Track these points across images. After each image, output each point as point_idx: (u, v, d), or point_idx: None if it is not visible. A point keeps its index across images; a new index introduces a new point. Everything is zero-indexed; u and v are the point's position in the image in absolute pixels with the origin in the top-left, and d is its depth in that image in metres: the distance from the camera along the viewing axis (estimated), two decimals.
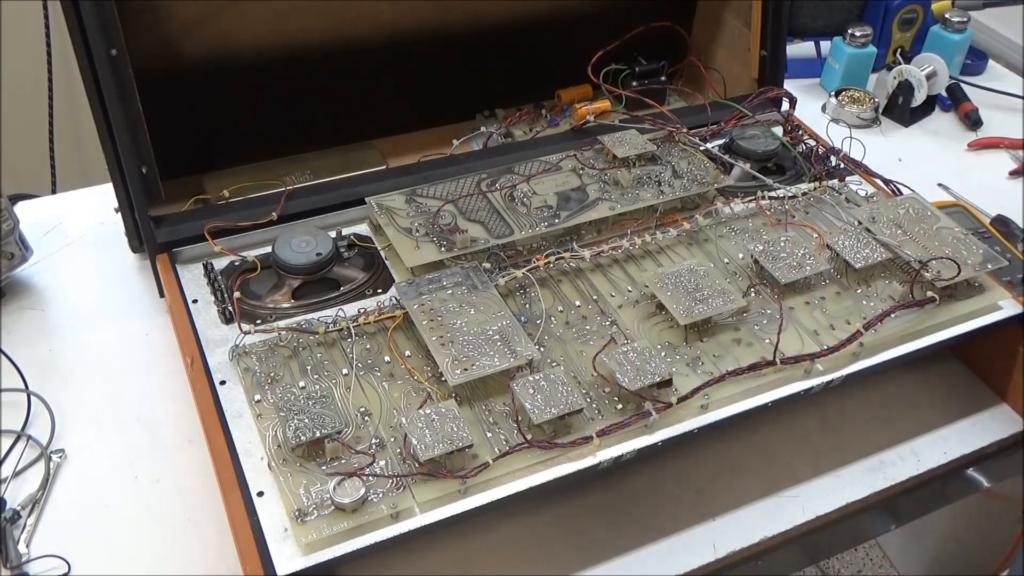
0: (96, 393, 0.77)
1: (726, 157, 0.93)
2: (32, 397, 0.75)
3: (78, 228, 0.94)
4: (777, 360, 0.70)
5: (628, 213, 0.85)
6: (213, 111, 0.92)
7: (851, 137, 0.97)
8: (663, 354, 0.71)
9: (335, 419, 0.63)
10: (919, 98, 1.18)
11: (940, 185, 1.06)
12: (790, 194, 0.89)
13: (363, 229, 0.85)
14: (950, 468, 0.76)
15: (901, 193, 0.91)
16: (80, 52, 0.73)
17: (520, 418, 0.65)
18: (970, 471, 0.78)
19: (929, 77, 1.18)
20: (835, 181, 0.91)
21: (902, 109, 1.19)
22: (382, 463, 0.62)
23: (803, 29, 1.28)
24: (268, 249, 0.79)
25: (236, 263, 0.80)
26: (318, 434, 0.62)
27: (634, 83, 1.04)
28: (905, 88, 1.18)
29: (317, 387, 0.66)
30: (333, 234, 0.81)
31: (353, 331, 0.71)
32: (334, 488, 0.59)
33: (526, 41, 1.03)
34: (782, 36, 1.03)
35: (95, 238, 0.93)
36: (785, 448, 0.77)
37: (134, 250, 0.89)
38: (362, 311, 0.73)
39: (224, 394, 0.67)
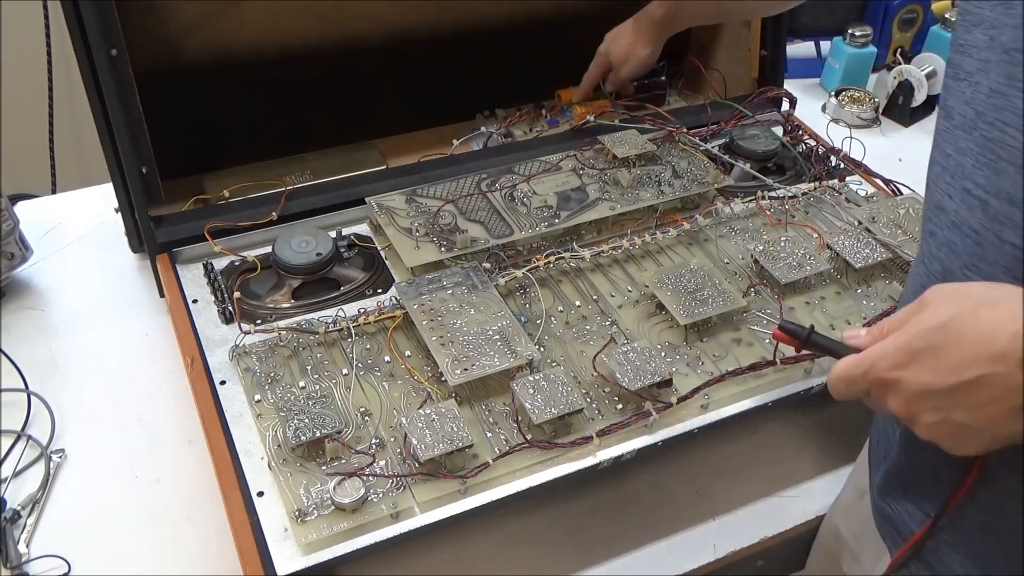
0: (96, 393, 0.77)
1: (726, 157, 0.93)
2: (32, 397, 0.75)
3: (78, 228, 0.94)
4: (777, 360, 0.70)
5: (628, 213, 0.85)
6: (213, 111, 0.92)
7: (851, 137, 0.97)
8: (663, 354, 0.71)
9: (335, 419, 0.63)
10: (919, 98, 1.18)
11: None
12: (790, 194, 0.89)
13: (363, 229, 0.85)
14: None
15: (901, 193, 0.91)
16: (80, 52, 0.73)
17: (520, 418, 0.65)
18: None
19: (929, 77, 1.18)
20: (835, 181, 0.91)
21: (902, 109, 1.19)
22: (382, 463, 0.62)
23: (803, 29, 1.28)
24: (268, 249, 0.79)
25: (236, 263, 0.80)
26: (318, 434, 0.62)
27: (634, 83, 1.04)
28: (905, 88, 1.18)
29: (317, 387, 0.66)
30: (333, 234, 0.81)
31: (353, 331, 0.71)
32: (334, 488, 0.59)
33: (526, 41, 1.03)
34: (782, 36, 1.03)
35: (95, 238, 0.93)
36: (785, 448, 0.77)
37: (134, 250, 0.89)
38: (362, 311, 0.73)
39: (224, 394, 0.67)
